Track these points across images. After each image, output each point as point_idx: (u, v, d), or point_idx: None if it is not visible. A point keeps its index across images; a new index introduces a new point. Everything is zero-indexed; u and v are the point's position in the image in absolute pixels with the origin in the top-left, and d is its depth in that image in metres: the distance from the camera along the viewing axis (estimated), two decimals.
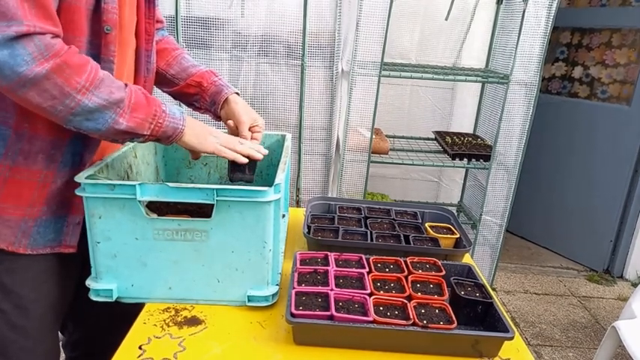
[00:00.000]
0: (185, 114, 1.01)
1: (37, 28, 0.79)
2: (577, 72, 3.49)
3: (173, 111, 0.98)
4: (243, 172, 1.13)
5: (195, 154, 1.12)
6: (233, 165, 1.11)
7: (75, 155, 1.01)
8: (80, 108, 0.85)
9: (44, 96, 0.82)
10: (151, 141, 0.99)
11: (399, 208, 1.51)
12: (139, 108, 0.93)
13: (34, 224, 0.99)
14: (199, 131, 1.04)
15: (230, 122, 1.21)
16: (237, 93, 1.24)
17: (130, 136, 0.94)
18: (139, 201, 0.96)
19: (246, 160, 1.09)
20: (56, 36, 0.83)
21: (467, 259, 1.34)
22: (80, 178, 0.95)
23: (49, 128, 0.95)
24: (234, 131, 1.20)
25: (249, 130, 1.20)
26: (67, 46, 0.84)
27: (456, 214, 1.61)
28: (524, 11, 2.33)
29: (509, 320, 0.96)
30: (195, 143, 1.03)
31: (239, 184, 1.04)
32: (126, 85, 0.93)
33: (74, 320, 1.26)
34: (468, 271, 1.17)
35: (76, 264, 1.09)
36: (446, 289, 1.07)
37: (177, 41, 2.26)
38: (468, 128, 3.01)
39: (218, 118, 1.26)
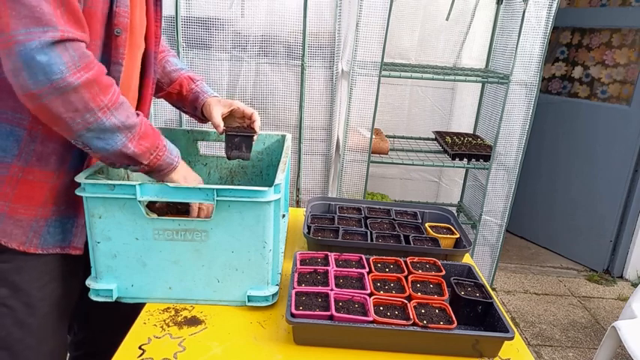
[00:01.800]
0: (179, 154, 1.05)
1: (70, 33, 0.82)
2: (577, 72, 3.49)
3: (170, 148, 1.03)
4: (240, 149, 1.14)
5: None
6: (229, 143, 1.12)
7: (83, 155, 1.02)
8: (97, 125, 0.88)
9: (67, 107, 0.84)
10: (142, 172, 1.01)
11: (399, 208, 1.51)
12: (147, 137, 0.96)
13: (44, 224, 1.00)
14: (187, 174, 1.07)
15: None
16: (215, 96, 1.28)
17: (129, 162, 0.97)
18: (139, 201, 0.96)
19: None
20: (84, 42, 0.86)
21: (467, 259, 1.34)
22: (80, 178, 0.95)
23: None
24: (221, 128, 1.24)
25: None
26: (97, 62, 0.88)
27: (456, 214, 1.61)
28: (524, 11, 2.33)
29: (509, 320, 0.96)
30: (180, 180, 1.05)
31: (239, 184, 1.04)
32: (138, 114, 0.96)
33: (79, 320, 1.27)
34: (468, 271, 1.17)
35: (82, 264, 1.10)
36: (446, 289, 1.07)
37: (177, 41, 2.27)
38: (467, 128, 3.01)
39: (201, 120, 1.30)
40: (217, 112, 1.22)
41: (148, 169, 1.00)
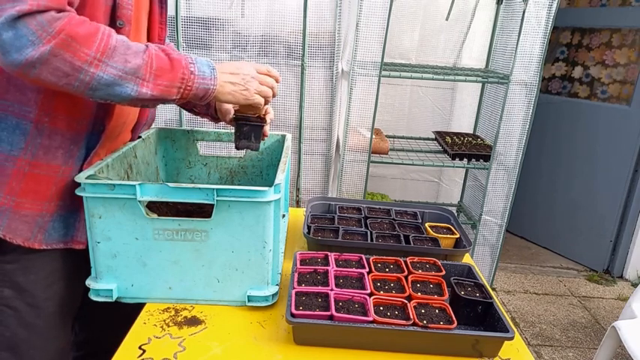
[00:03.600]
0: (216, 70, 0.96)
1: (41, 6, 0.75)
2: (577, 72, 3.49)
3: (202, 70, 0.93)
4: (249, 139, 1.12)
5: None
6: (238, 132, 1.11)
7: (89, 150, 1.02)
8: (96, 82, 0.82)
9: (57, 74, 0.79)
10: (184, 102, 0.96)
11: (399, 208, 1.51)
12: (163, 74, 0.88)
13: (50, 219, 0.99)
14: (233, 86, 0.99)
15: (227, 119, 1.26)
16: None
17: (160, 102, 0.92)
18: (139, 201, 0.96)
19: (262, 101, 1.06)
20: (61, 10, 0.79)
21: (467, 259, 1.34)
22: (80, 178, 0.95)
23: (69, 123, 0.96)
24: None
25: None
26: (75, 17, 0.80)
27: (456, 214, 1.61)
28: (524, 11, 2.33)
29: (509, 320, 0.96)
30: (231, 100, 1.01)
31: (239, 184, 1.04)
32: (147, 47, 0.88)
33: (80, 321, 1.27)
34: (468, 271, 1.17)
35: (86, 265, 1.10)
36: (446, 289, 1.07)
37: (177, 41, 2.27)
38: (467, 128, 3.01)
39: (215, 120, 1.29)
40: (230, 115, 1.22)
41: (184, 102, 0.94)
